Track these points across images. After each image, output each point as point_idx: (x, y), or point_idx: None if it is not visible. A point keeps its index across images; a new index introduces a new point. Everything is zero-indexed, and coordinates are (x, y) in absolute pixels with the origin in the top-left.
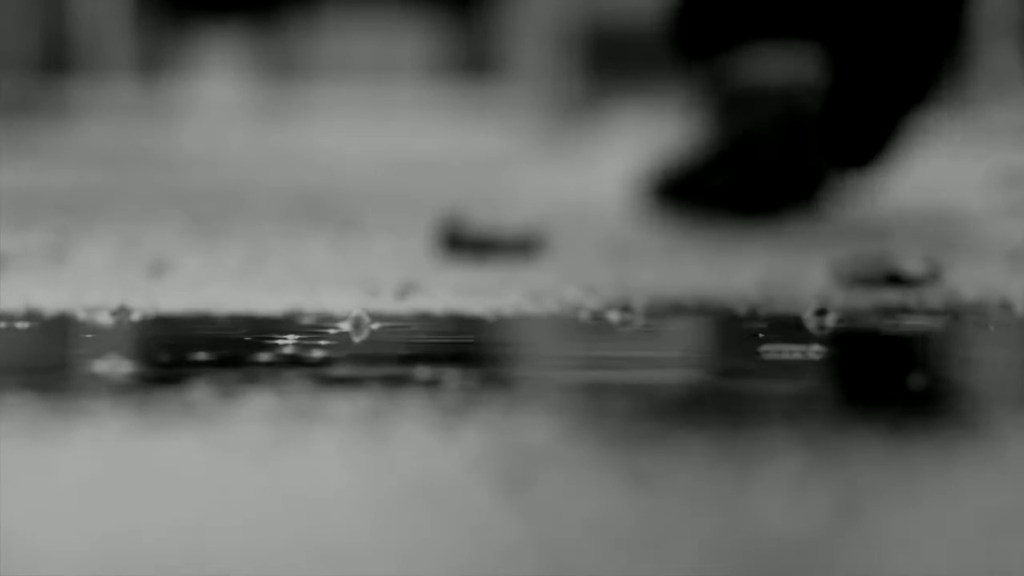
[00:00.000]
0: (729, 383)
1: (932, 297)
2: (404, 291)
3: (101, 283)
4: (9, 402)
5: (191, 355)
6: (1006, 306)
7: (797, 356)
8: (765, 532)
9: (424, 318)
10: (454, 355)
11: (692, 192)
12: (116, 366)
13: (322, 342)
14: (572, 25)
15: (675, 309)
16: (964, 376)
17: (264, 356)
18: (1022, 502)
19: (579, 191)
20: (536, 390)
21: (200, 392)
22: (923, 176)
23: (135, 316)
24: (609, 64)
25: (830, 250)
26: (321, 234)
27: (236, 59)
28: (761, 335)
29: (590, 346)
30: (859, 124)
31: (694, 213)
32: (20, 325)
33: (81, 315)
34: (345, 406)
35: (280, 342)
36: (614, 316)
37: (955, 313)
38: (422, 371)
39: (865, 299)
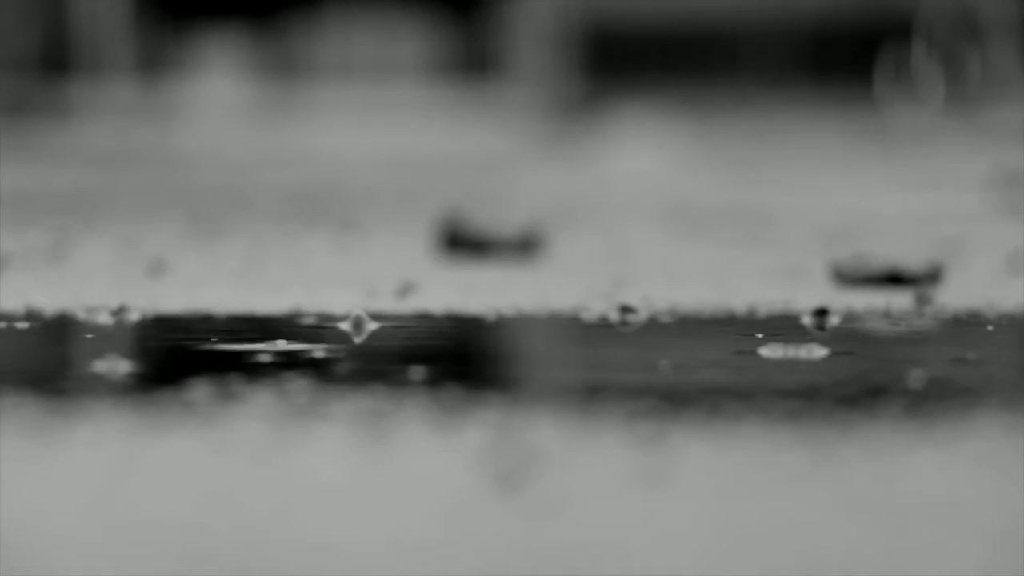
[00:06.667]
0: (728, 383)
1: (932, 296)
2: (404, 291)
3: (101, 283)
4: (9, 402)
5: (191, 355)
6: (1005, 306)
7: (797, 356)
8: (765, 531)
9: (424, 318)
10: (454, 355)
11: None
12: (116, 366)
13: (322, 342)
14: (572, 25)
15: (675, 309)
16: (964, 376)
17: (264, 356)
18: (1018, 501)
19: (579, 191)
20: (536, 390)
21: (200, 392)
22: (923, 176)
23: (135, 316)
24: (609, 64)
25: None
26: (321, 234)
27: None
28: (761, 335)
29: (590, 346)
30: None
31: None
32: (20, 325)
33: (81, 315)
34: (345, 406)
35: (280, 342)
36: (614, 316)
37: (954, 313)
38: (422, 371)
39: (865, 299)
